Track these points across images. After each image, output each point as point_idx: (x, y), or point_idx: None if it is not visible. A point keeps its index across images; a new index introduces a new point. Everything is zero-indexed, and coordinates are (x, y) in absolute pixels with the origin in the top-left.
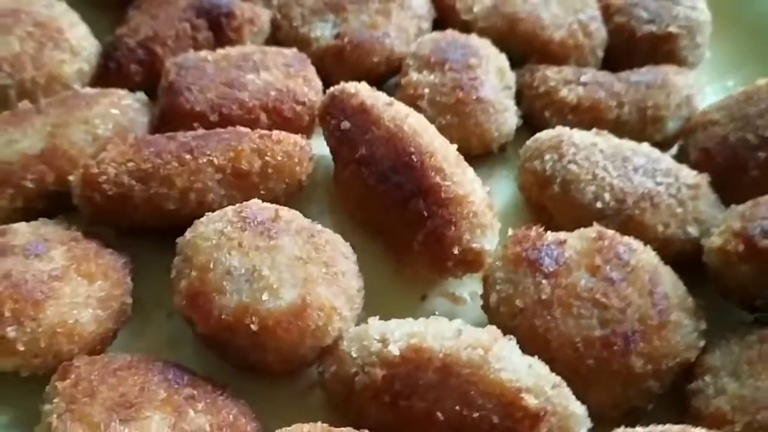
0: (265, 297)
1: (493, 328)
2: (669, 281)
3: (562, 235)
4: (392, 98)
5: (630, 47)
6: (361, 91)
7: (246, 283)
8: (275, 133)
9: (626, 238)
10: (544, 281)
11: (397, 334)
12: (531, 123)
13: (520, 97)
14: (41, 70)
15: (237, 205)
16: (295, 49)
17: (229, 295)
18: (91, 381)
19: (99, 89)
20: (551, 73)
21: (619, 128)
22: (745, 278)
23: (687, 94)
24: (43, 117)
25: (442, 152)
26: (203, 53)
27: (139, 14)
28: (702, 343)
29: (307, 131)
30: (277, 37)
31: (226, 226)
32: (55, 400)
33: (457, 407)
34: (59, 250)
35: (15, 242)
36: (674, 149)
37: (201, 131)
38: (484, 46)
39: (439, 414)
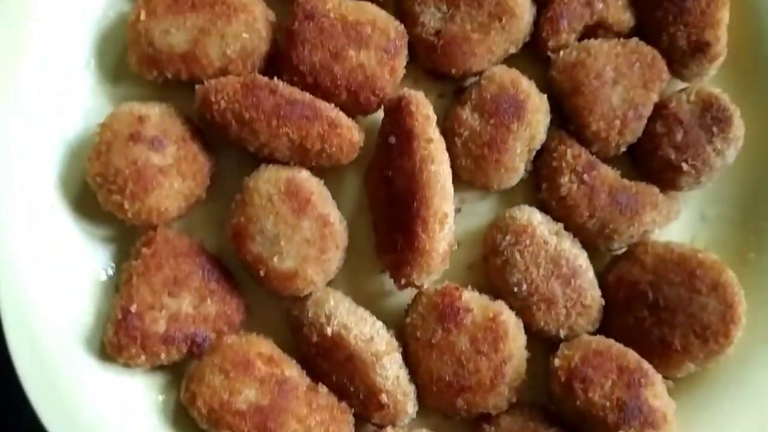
0: (275, 258)
1: (394, 341)
2: (516, 365)
3: (473, 302)
4: (436, 133)
5: (651, 156)
6: (418, 113)
7: (269, 243)
8: (343, 123)
9: (511, 329)
10: (440, 330)
11: (337, 319)
12: (535, 177)
13: (540, 152)
14: None
15: (290, 174)
16: (401, 28)
17: (256, 245)
18: (161, 256)
19: None
20: (569, 156)
21: (579, 232)
22: (551, 387)
23: (644, 230)
24: (194, 16)
25: (435, 208)
26: (330, 4)
27: None
28: (506, 407)
29: (372, 112)
30: None
31: (275, 194)
32: (137, 261)
33: (345, 379)
34: (172, 148)
35: (144, 133)
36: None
37: (293, 95)
38: (534, 109)
39: (333, 377)
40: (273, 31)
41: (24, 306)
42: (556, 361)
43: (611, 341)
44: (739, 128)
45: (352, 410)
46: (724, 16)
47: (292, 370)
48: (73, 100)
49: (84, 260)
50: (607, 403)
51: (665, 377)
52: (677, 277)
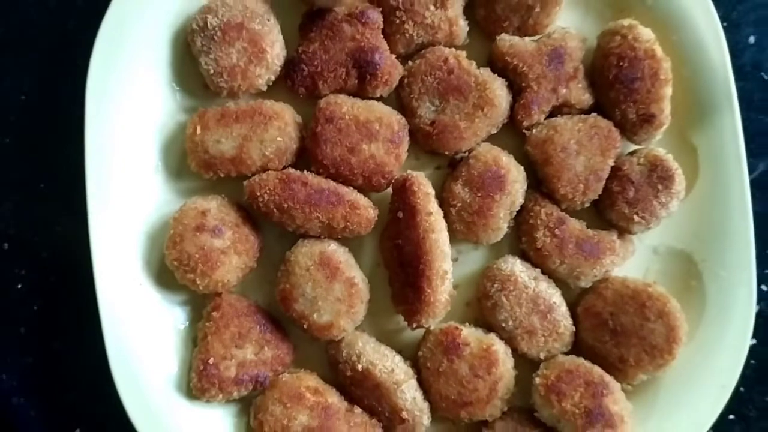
0: (315, 315)
1: (410, 370)
2: (506, 382)
3: (470, 337)
4: (435, 206)
5: (609, 209)
6: (420, 191)
7: (309, 303)
8: (361, 204)
9: (501, 356)
10: (445, 361)
11: (365, 357)
12: (517, 230)
13: (520, 210)
14: (245, 81)
15: (322, 247)
16: (403, 120)
17: (299, 305)
18: (227, 318)
19: (275, 107)
20: (543, 214)
21: (552, 274)
22: (533, 398)
23: (606, 270)
24: (238, 126)
25: (437, 268)
26: (345, 108)
27: (317, 38)
28: (499, 415)
29: (383, 190)
30: (399, 91)
31: (311, 264)
32: (209, 322)
33: (374, 402)
34: (229, 233)
35: (207, 223)
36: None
37: (320, 184)
38: (513, 180)
39: (365, 400)
40: (301, 130)
41: (128, 361)
42: (537, 379)
43: (580, 360)
44: (680, 183)
45: (381, 425)
46: (667, 91)
47: (333, 398)
48: (148, 197)
49: (167, 319)
50: (576, 411)
51: (623, 384)
52: (631, 308)
